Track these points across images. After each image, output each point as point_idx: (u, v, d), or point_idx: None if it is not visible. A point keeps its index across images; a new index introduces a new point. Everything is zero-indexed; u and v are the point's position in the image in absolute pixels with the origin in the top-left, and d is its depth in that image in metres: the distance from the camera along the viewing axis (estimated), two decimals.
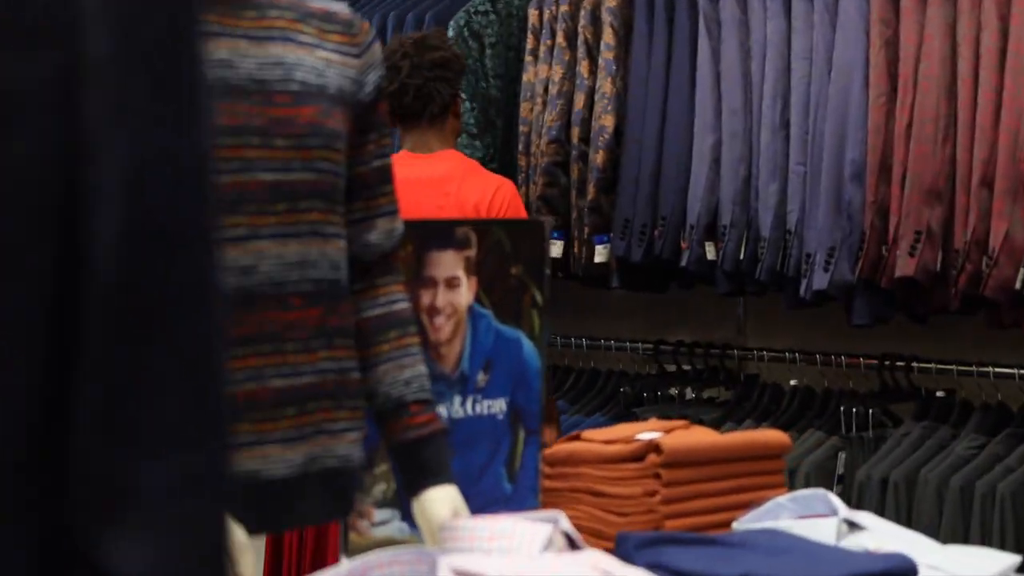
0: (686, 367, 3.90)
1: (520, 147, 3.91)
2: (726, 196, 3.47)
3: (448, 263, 2.12)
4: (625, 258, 3.66)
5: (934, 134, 3.16)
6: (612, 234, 3.70)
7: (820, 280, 3.29)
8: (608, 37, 3.73)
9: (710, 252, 3.52)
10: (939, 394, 3.46)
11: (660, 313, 4.12)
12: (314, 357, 1.75)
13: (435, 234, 2.11)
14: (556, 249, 3.80)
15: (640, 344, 3.94)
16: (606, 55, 3.73)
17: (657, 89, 3.64)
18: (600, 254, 3.73)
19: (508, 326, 2.20)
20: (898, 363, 3.51)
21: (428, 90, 3.24)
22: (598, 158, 3.70)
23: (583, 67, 3.78)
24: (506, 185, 3.29)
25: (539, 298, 2.23)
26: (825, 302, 3.41)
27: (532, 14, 3.89)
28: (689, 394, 3.81)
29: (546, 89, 3.83)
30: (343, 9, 1.87)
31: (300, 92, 1.75)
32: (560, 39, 3.82)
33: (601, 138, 3.70)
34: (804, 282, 3.33)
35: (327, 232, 1.78)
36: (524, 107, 3.89)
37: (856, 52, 3.28)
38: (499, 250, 2.18)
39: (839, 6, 3.32)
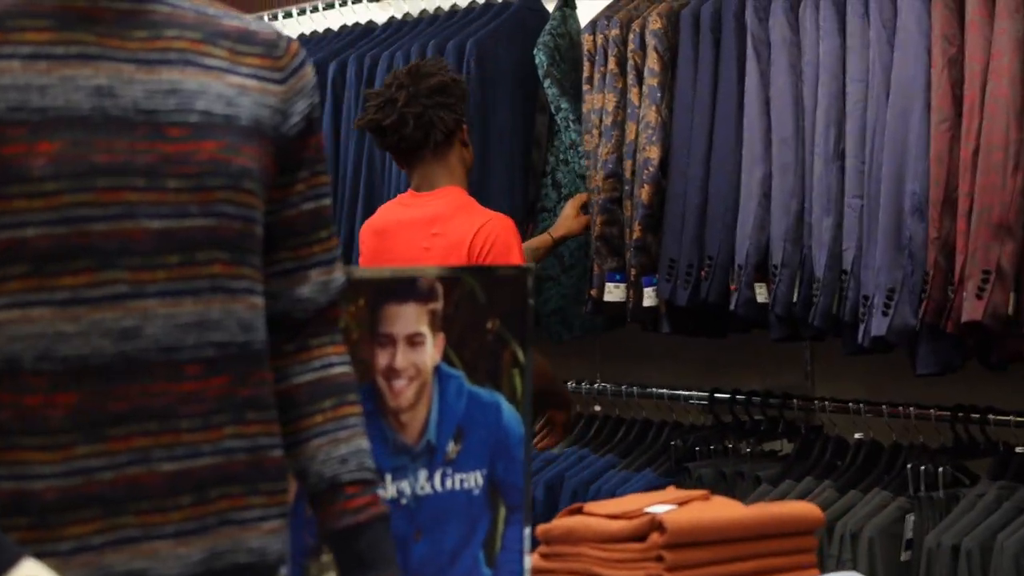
0: (744, 418, 3.60)
1: (588, 183, 3.65)
2: (777, 233, 3.17)
3: (409, 318, 1.85)
4: (671, 301, 3.37)
5: (1003, 162, 2.82)
6: (659, 275, 3.41)
7: (879, 325, 2.96)
8: (652, 62, 3.45)
9: (761, 294, 3.21)
10: (1018, 450, 3.11)
11: (718, 359, 3.81)
12: (217, 434, 1.49)
13: (392, 285, 1.85)
14: (619, 292, 3.53)
15: (694, 393, 3.64)
16: (650, 81, 3.45)
17: (703, 117, 3.35)
18: (648, 297, 3.45)
19: (484, 388, 1.93)
20: (973, 415, 3.16)
21: (428, 117, 3.08)
22: (643, 193, 3.42)
23: (634, 94, 3.51)
24: (493, 222, 3.07)
25: (521, 356, 1.95)
26: (889, 349, 3.09)
27: (586, 39, 3.64)
28: (746, 447, 3.50)
29: (601, 119, 3.57)
30: (266, 28, 1.62)
31: (200, 124, 1.50)
32: (612, 65, 3.55)
33: (646, 171, 3.42)
34: (862, 327, 3.01)
35: (234, 287, 1.52)
36: (586, 139, 3.63)
37: (917, 72, 2.97)
38: (472, 302, 1.91)
39: (897, 22, 3.01)
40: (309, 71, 1.65)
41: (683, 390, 3.67)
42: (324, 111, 4.09)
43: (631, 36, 3.49)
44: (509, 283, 1.95)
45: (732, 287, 3.25)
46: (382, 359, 1.84)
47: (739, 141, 3.27)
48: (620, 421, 3.83)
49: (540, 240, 3.64)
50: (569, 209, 3.64)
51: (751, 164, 3.22)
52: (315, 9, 4.63)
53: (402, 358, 1.85)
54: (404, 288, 1.85)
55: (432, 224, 3.14)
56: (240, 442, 1.52)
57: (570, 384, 3.91)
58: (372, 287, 1.82)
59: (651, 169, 3.40)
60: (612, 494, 3.50)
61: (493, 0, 4.16)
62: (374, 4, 4.50)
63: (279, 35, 1.63)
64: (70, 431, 1.41)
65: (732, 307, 3.23)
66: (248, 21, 1.62)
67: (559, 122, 3.69)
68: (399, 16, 4.42)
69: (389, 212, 3.35)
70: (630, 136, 3.46)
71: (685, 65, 3.41)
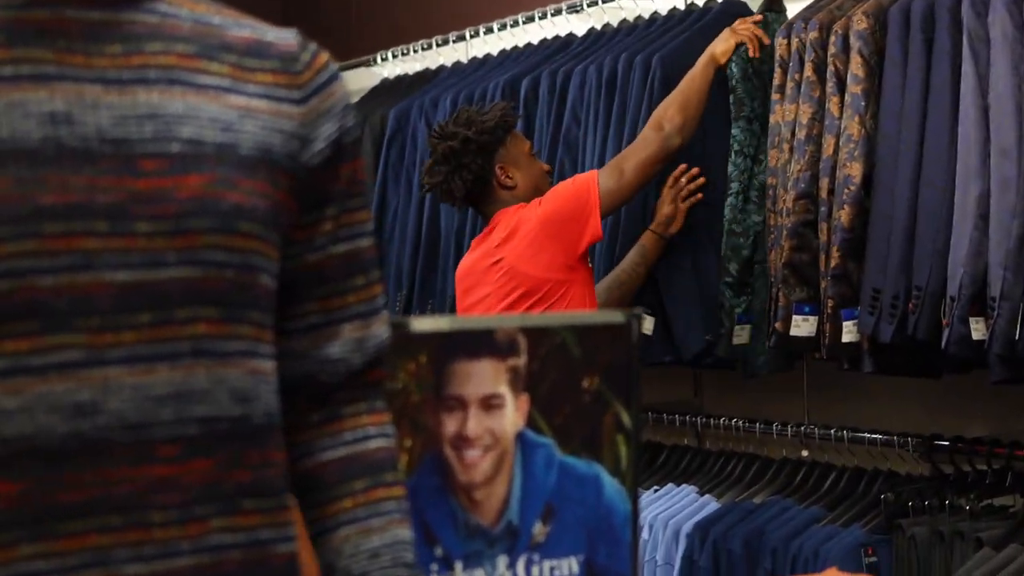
0: (966, 468, 3.16)
1: (768, 203, 3.29)
2: (995, 260, 2.74)
3: (483, 376, 1.57)
4: (874, 337, 2.98)
5: None
6: (860, 308, 3.02)
7: None
8: (856, 67, 3.06)
9: (977, 331, 2.78)
10: None
11: (938, 400, 3.38)
12: (199, 528, 1.24)
13: (461, 338, 1.56)
14: (808, 326, 3.15)
15: (911, 439, 3.23)
16: (853, 89, 3.06)
17: (912, 128, 2.94)
18: (848, 331, 3.05)
19: (580, 458, 1.62)
20: None
21: (448, 186, 3.30)
22: (843, 215, 3.03)
23: (833, 104, 3.12)
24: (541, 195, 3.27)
25: (626, 419, 1.64)
26: None
27: (780, 44, 3.27)
28: (968, 503, 3.07)
29: (794, 132, 3.20)
30: (284, 37, 1.36)
31: (184, 155, 1.25)
32: (808, 71, 3.17)
33: (847, 190, 3.03)
34: None
35: (225, 350, 1.26)
36: (771, 155, 3.27)
37: None
38: (563, 356, 1.61)
39: None
40: (339, 89, 1.38)
41: (898, 435, 3.25)
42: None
43: (832, 39, 3.10)
44: (610, 332, 1.64)
45: (944, 321, 2.83)
46: (450, 425, 1.56)
47: (953, 154, 2.85)
48: (828, 468, 3.45)
49: (645, 238, 3.48)
50: (665, 195, 3.48)
51: (967, 181, 2.80)
52: (515, 24, 4.39)
53: (475, 424, 1.57)
54: (477, 341, 1.56)
55: (494, 248, 3.24)
56: (232, 537, 1.26)
57: (775, 425, 3.54)
58: (436, 341, 1.54)
59: (852, 188, 3.01)
60: (815, 553, 3.13)
61: (695, 5, 3.83)
62: (573, 16, 4.22)
63: (302, 45, 1.37)
64: (11, 527, 1.18)
65: (943, 345, 2.81)
66: (264, 30, 1.36)
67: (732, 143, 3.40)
68: (599, 27, 4.13)
69: (463, 261, 3.40)
70: (827, 151, 3.08)
71: (892, 69, 3.00)
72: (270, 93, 1.32)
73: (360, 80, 5.22)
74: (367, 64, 5.06)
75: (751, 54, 3.35)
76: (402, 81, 4.85)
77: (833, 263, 3.03)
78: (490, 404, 1.57)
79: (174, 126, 1.26)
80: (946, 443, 3.15)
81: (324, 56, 1.38)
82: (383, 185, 4.41)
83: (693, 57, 3.40)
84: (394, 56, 4.90)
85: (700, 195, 3.48)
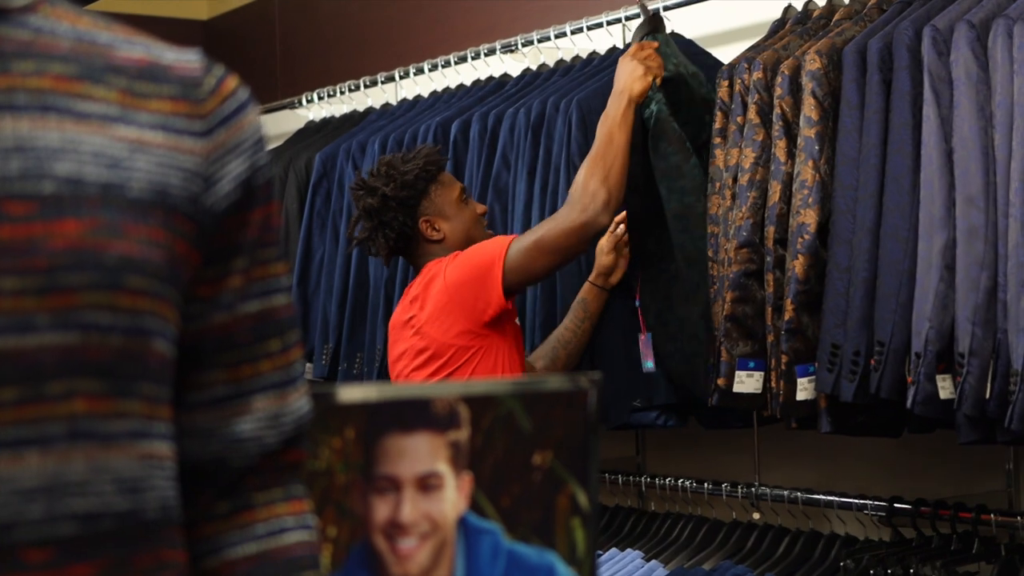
0: (930, 533, 2.98)
1: (709, 252, 3.11)
2: (963, 315, 2.57)
3: (420, 453, 1.35)
4: (833, 395, 2.80)
5: None
6: (817, 364, 2.84)
7: None
8: (809, 109, 2.89)
9: (944, 389, 2.61)
10: None
11: (899, 460, 3.22)
12: None
13: (393, 410, 1.35)
14: (753, 382, 2.97)
15: (870, 501, 3.05)
16: (806, 132, 2.89)
17: (871, 174, 2.77)
18: (804, 389, 2.87)
19: (531, 546, 1.41)
20: None
21: (372, 243, 3.16)
22: (797, 265, 2.86)
23: (779, 148, 2.95)
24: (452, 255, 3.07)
25: (583, 500, 1.43)
26: None
27: (721, 86, 3.10)
28: (933, 571, 2.89)
29: (735, 178, 3.02)
30: (185, 59, 1.15)
31: (59, 197, 1.04)
32: (752, 114, 3.01)
33: (801, 239, 2.86)
34: None
35: (109, 431, 1.05)
36: (712, 201, 3.10)
37: None
38: (511, 428, 1.40)
39: None
40: (250, 120, 1.17)
41: (856, 497, 3.07)
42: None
43: (778, 80, 2.94)
44: (564, 401, 1.43)
45: (909, 379, 2.65)
46: (382, 511, 1.34)
47: (916, 202, 2.69)
48: (782, 532, 3.26)
49: (585, 291, 3.29)
50: (603, 243, 3.27)
51: (930, 230, 2.63)
52: (447, 64, 4.20)
53: (411, 508, 1.35)
54: (411, 412, 1.35)
55: (412, 305, 3.06)
56: None
57: (724, 486, 3.35)
58: (364, 413, 1.33)
59: (807, 236, 2.84)
60: None
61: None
62: (508, 56, 4.05)
63: (207, 69, 1.16)
64: None
65: (909, 404, 2.64)
66: (161, 51, 1.15)
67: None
68: (535, 67, 3.96)
69: (396, 309, 3.20)
70: (773, 198, 2.91)
71: (849, 112, 2.84)
72: (167, 124, 1.11)
73: (285, 123, 5.02)
74: (292, 106, 4.86)
75: (658, 82, 3.14)
76: (328, 124, 4.65)
77: (787, 316, 2.85)
78: (427, 485, 1.36)
79: (47, 162, 1.04)
80: (908, 506, 2.97)
81: (233, 82, 1.17)
82: (308, 232, 4.20)
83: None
84: (320, 98, 4.70)
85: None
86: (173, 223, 1.10)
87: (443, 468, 1.36)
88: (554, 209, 3.29)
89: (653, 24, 3.28)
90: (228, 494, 1.17)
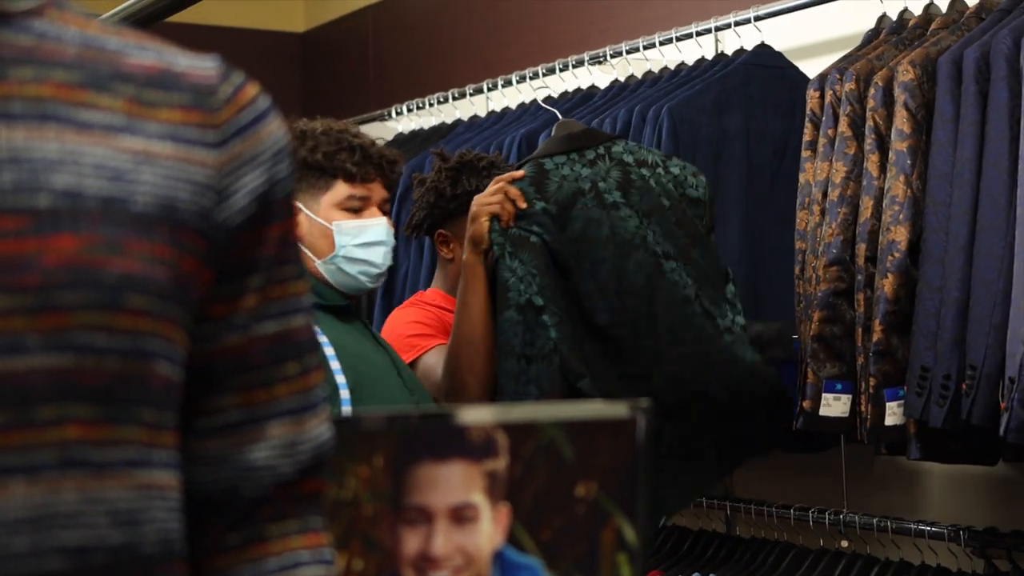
0: None
1: (796, 270, 3.00)
2: None
3: (453, 483, 1.28)
4: (923, 420, 2.68)
5: None
6: (906, 388, 2.72)
7: None
8: (901, 122, 2.78)
9: None
10: None
11: (993, 489, 3.08)
12: None
13: (426, 437, 1.28)
14: (841, 405, 2.86)
15: (963, 531, 2.91)
16: (898, 146, 2.78)
17: (965, 190, 2.65)
18: (892, 414, 2.75)
19: None
20: None
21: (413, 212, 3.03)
22: (887, 284, 2.74)
23: (871, 162, 2.84)
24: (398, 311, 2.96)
25: (630, 535, 1.35)
26: None
27: (811, 96, 3.00)
28: None
29: (825, 193, 2.92)
30: (201, 66, 1.09)
31: (55, 211, 0.98)
32: (843, 127, 2.90)
33: (891, 257, 2.75)
34: None
35: (104, 460, 0.99)
36: (800, 217, 2.99)
37: None
38: (553, 458, 1.32)
39: None
40: (271, 131, 1.10)
41: (949, 527, 2.94)
42: None
43: (871, 92, 2.83)
44: (611, 429, 1.35)
45: (1002, 405, 2.53)
46: (412, 543, 1.27)
47: (1011, 219, 2.56)
48: (871, 561, 3.13)
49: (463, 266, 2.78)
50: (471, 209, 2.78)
51: None
52: (535, 76, 4.14)
53: (443, 541, 1.28)
54: (445, 440, 1.28)
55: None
56: None
57: (811, 512, 3.24)
58: (394, 440, 1.26)
59: (898, 255, 2.72)
60: None
61: (723, 54, 3.57)
62: (596, 67, 3.97)
63: (223, 76, 1.10)
64: None
65: (1002, 431, 2.51)
66: (175, 57, 1.09)
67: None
68: (622, 79, 3.88)
69: None
70: (865, 214, 2.79)
71: (942, 125, 2.72)
72: (177, 134, 1.05)
73: (376, 134, 4.98)
74: (382, 118, 4.83)
75: (503, 223, 2.70)
76: (417, 136, 4.61)
77: (875, 337, 2.74)
78: (462, 516, 1.29)
79: (43, 174, 0.99)
80: (1004, 536, 2.84)
81: (252, 89, 1.11)
82: (395, 245, 4.15)
83: (707, 107, 3.15)
84: (409, 110, 4.66)
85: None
86: (180, 239, 1.04)
87: (478, 499, 1.29)
88: None
89: (567, 142, 2.87)
90: (240, 526, 1.11)
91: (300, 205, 2.54)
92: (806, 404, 2.84)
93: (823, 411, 2.81)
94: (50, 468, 0.96)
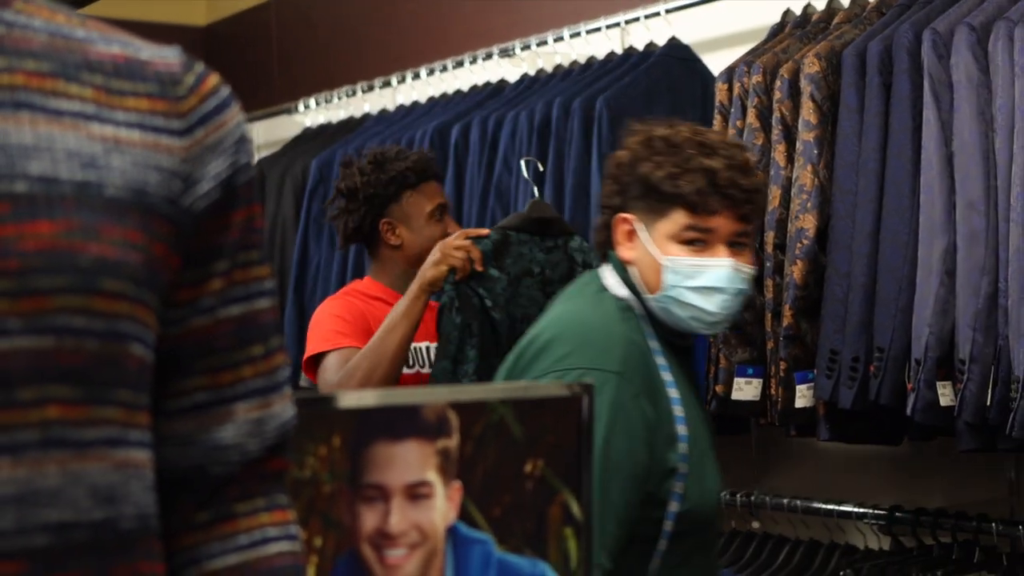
0: (930, 542, 2.95)
1: None
2: (964, 320, 2.54)
3: (408, 461, 1.32)
4: (832, 402, 2.76)
5: None
6: (816, 371, 2.80)
7: None
8: (808, 113, 2.87)
9: (945, 396, 2.58)
10: None
11: (898, 468, 3.18)
12: None
13: (381, 416, 1.32)
14: (752, 389, 2.94)
15: (870, 510, 3.01)
16: (805, 136, 2.86)
17: (870, 178, 2.74)
18: (802, 396, 2.84)
19: (523, 556, 1.38)
20: None
21: (338, 224, 3.09)
22: (796, 271, 2.83)
23: (778, 152, 2.93)
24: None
25: (576, 510, 1.40)
26: None
27: (720, 89, 3.07)
28: None
29: None
30: (164, 55, 1.12)
31: (32, 197, 1.01)
32: (751, 118, 2.98)
33: (800, 244, 2.83)
34: None
35: (83, 439, 1.01)
36: None
37: None
38: (502, 436, 1.37)
39: None
40: (232, 118, 1.14)
41: (856, 506, 3.04)
42: (447, 179, 3.62)
43: (778, 84, 2.91)
44: (557, 408, 1.40)
45: (909, 386, 2.62)
46: (369, 520, 1.31)
47: (915, 206, 2.66)
48: (781, 541, 3.22)
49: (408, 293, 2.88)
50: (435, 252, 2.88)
51: (930, 234, 2.60)
52: (444, 69, 4.18)
53: (399, 517, 1.32)
54: (400, 419, 1.32)
55: None
56: None
57: (723, 494, 3.32)
58: (351, 420, 1.30)
59: (806, 242, 2.81)
60: None
61: (634, 49, 3.64)
62: (505, 60, 4.02)
63: (187, 66, 1.13)
64: None
65: (909, 411, 2.60)
66: (139, 47, 1.12)
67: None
68: (532, 72, 3.93)
69: None
70: (773, 203, 2.88)
71: (847, 115, 2.81)
72: (144, 122, 1.08)
73: (283, 129, 4.99)
74: (289, 112, 4.83)
75: (457, 277, 2.84)
76: (326, 130, 4.62)
77: (785, 322, 2.82)
78: (416, 493, 1.33)
79: (19, 160, 1.01)
80: (908, 514, 2.94)
81: (213, 79, 1.14)
82: (304, 239, 4.17)
83: (639, 99, 3.21)
84: (317, 104, 4.67)
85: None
86: (151, 225, 1.07)
87: (432, 476, 1.33)
88: (561, 209, 3.29)
89: (520, 223, 2.99)
90: (208, 503, 1.14)
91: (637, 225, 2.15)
92: (718, 388, 2.92)
93: (735, 395, 2.89)
94: (33, 447, 0.99)
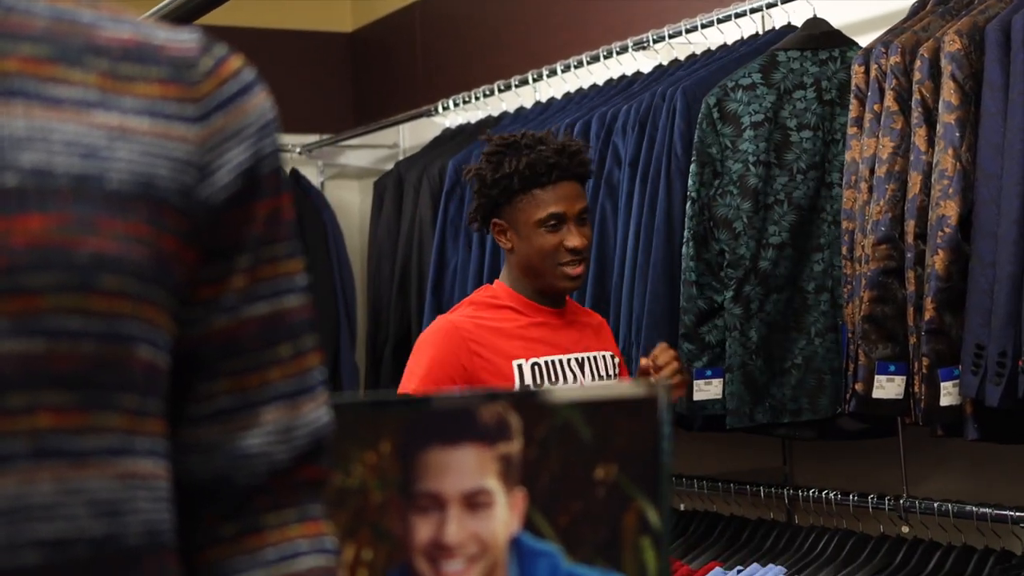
0: None
1: (843, 250, 2.93)
2: None
3: (465, 468, 1.23)
4: (980, 400, 2.59)
5: None
6: (961, 367, 2.63)
7: None
8: (949, 93, 2.70)
9: None
10: None
11: None
12: None
13: (435, 420, 1.23)
14: (894, 387, 2.78)
15: None
16: (946, 118, 2.70)
17: (1016, 162, 2.57)
18: (948, 394, 2.67)
19: (595, 569, 1.28)
20: None
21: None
22: (938, 261, 2.66)
23: (919, 136, 2.76)
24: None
25: (653, 518, 1.30)
26: None
27: (856, 72, 2.92)
28: None
29: (872, 170, 2.84)
30: (180, 38, 1.05)
31: (23, 190, 0.95)
32: (889, 101, 2.82)
33: (941, 233, 2.66)
34: None
35: (82, 448, 0.95)
36: (847, 196, 2.92)
37: None
38: (569, 440, 1.27)
39: None
40: (255, 104, 1.06)
41: (1012, 509, 2.85)
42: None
43: (917, 64, 2.74)
44: (631, 408, 1.30)
45: None
46: (423, 531, 1.23)
47: None
48: (932, 546, 3.05)
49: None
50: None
51: None
52: (579, 64, 4.08)
53: (456, 528, 1.23)
54: (455, 423, 1.23)
55: None
56: None
57: (871, 498, 3.16)
58: (401, 424, 1.21)
59: (948, 230, 2.64)
60: None
61: (757, 35, 3.50)
62: (640, 53, 3.91)
63: (204, 48, 1.06)
64: None
65: None
66: (153, 30, 1.05)
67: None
68: (667, 63, 3.81)
69: None
70: (913, 189, 2.71)
71: (992, 94, 2.64)
72: (155, 109, 1.01)
73: (426, 131, 4.96)
74: (429, 114, 4.79)
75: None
76: (464, 130, 4.57)
77: (927, 316, 2.66)
78: (475, 502, 1.24)
79: (11, 151, 0.95)
80: None
81: (236, 62, 1.07)
82: (442, 241, 4.11)
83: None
84: (456, 104, 4.61)
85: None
86: (160, 218, 1.00)
87: (492, 484, 1.24)
88: (655, 204, 3.21)
89: (790, 41, 3.23)
90: (235, 516, 1.06)
91: None
92: (858, 387, 2.77)
93: (876, 393, 2.74)
94: (23, 458, 0.92)
